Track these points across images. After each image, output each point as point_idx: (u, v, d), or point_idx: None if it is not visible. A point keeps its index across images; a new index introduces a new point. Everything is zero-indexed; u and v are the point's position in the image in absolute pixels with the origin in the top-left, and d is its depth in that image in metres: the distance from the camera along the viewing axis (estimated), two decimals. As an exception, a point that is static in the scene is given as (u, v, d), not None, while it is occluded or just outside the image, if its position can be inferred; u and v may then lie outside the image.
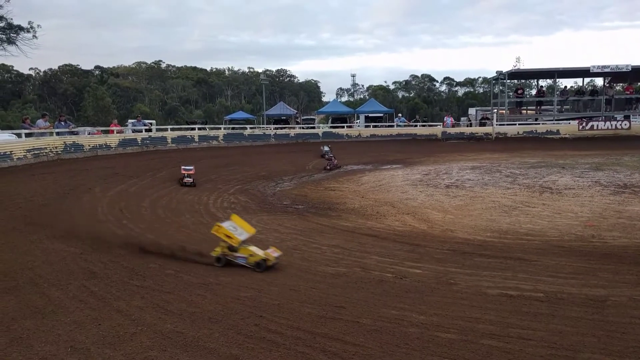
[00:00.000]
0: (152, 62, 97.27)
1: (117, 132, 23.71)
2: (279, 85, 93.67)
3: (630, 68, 28.65)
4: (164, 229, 9.46)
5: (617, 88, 33.95)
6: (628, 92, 31.49)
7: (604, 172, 14.68)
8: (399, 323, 4.55)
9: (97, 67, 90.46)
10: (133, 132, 24.54)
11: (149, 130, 25.93)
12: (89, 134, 23.58)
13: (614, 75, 31.42)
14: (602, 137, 28.34)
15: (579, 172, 14.85)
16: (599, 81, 35.61)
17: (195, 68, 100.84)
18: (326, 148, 23.55)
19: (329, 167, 20.08)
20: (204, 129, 29.23)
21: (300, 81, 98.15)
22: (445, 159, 21.10)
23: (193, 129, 28.00)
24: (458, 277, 6.30)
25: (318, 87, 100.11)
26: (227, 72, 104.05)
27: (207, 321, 4.62)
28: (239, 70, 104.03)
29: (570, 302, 5.33)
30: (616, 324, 4.67)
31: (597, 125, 29.12)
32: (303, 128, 31.95)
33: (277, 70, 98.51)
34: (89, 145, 20.54)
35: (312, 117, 45.29)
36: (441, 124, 30.91)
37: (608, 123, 29.22)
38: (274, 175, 18.45)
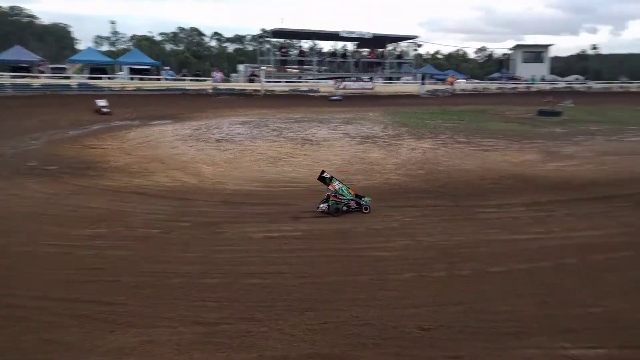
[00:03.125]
0: None
1: None
2: (16, 26, 77.48)
3: (371, 35, 33.05)
4: None
5: (364, 53, 38.94)
6: (370, 57, 36.49)
7: (352, 126, 16.86)
8: (163, 276, 4.45)
9: None
10: None
11: None
12: None
13: (361, 41, 35.85)
14: (353, 95, 32.39)
15: (333, 126, 16.71)
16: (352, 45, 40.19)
17: None
18: (102, 102, 21.42)
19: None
20: None
21: (46, 24, 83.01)
22: (217, 114, 21.09)
23: None
24: (226, 226, 6.47)
25: (69, 33, 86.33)
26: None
27: None
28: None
29: (323, 236, 6.06)
30: (356, 249, 5.52)
31: (349, 86, 33.11)
32: (51, 77, 27.49)
33: (11, 8, 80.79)
34: None
35: (64, 66, 39.17)
36: (211, 79, 30.65)
37: (357, 83, 33.47)
38: (16, 133, 15.53)
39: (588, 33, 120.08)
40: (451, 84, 37.96)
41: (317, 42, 34.86)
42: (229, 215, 7.09)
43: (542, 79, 44.64)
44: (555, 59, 59.53)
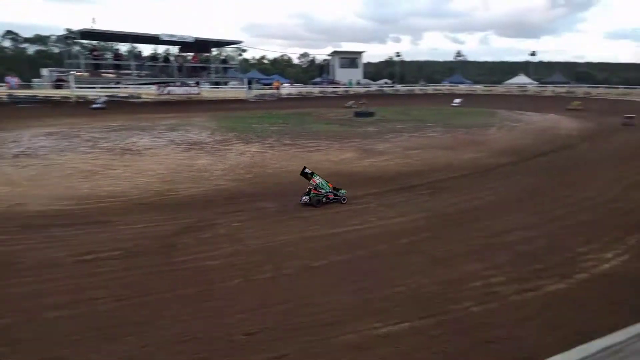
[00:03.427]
0: None
1: None
2: None
3: (194, 39, 32.17)
4: None
5: (189, 57, 37.70)
6: (194, 61, 35.54)
7: (178, 132, 16.21)
8: None
9: None
10: None
11: None
12: None
13: (183, 45, 34.64)
14: (178, 101, 31.21)
15: (157, 133, 15.84)
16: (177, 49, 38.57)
17: None
18: None
19: None
20: None
21: None
22: (15, 125, 18.25)
23: None
24: (26, 253, 5.61)
25: None
26: None
27: None
28: None
29: (145, 253, 5.65)
30: (182, 262, 5.27)
31: (174, 91, 31.81)
32: None
33: None
34: None
35: None
36: (5, 85, 26.46)
37: (182, 89, 32.31)
38: None
39: (393, 42, 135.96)
40: (277, 88, 39.21)
41: (135, 45, 32.55)
42: (30, 242, 6.15)
43: (358, 83, 49.01)
44: (368, 65, 65.97)
